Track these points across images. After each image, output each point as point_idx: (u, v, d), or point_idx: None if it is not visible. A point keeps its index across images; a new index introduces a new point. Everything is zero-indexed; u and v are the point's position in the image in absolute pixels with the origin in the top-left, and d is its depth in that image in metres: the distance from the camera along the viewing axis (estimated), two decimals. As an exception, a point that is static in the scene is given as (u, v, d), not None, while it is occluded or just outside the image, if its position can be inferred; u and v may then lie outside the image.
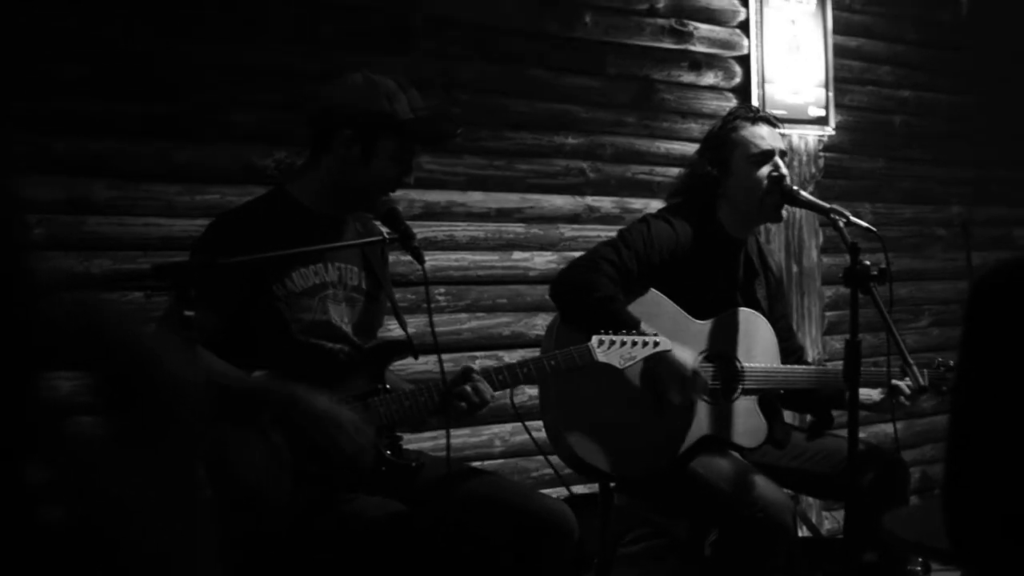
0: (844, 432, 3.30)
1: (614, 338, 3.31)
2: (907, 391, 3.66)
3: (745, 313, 3.76)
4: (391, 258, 3.52)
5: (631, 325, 3.42)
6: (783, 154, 3.76)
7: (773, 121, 3.84)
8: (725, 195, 3.75)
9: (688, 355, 3.51)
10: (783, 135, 3.88)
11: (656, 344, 3.37)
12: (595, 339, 3.30)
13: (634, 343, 3.33)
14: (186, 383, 0.97)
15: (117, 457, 0.93)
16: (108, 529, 0.89)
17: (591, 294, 3.47)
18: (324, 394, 2.93)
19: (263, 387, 2.91)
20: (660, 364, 3.46)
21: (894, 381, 3.64)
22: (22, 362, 0.91)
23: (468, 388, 3.06)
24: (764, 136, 3.75)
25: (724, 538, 3.61)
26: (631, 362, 3.34)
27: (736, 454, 3.65)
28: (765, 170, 3.71)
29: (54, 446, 0.92)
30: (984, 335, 1.81)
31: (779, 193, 3.71)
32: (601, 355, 3.29)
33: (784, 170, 3.73)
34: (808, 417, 4.18)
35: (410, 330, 3.32)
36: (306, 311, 3.07)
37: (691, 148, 5.15)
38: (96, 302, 0.97)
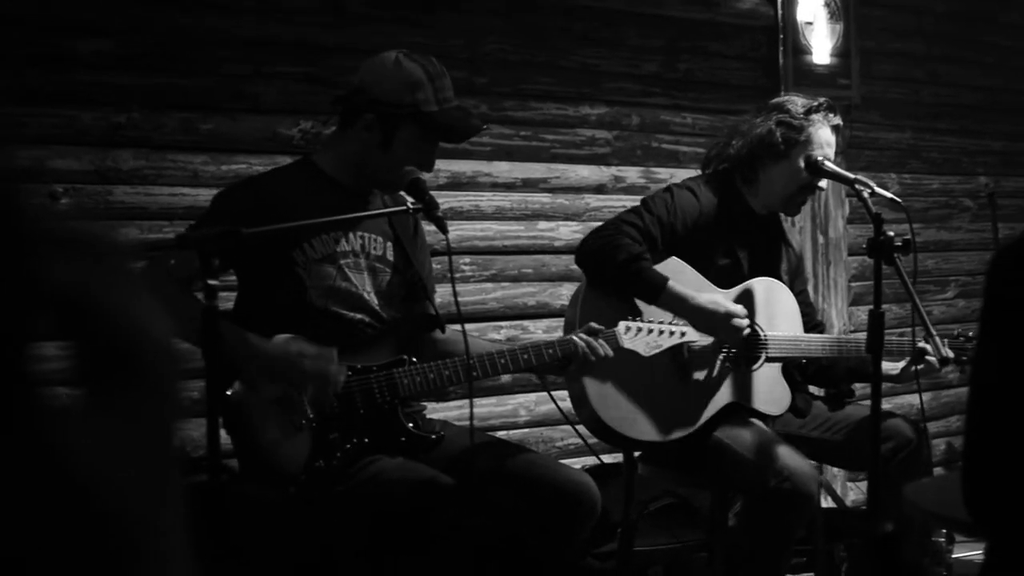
0: (866, 402, 3.29)
1: (641, 325, 3.33)
2: (935, 359, 3.61)
3: (767, 282, 3.76)
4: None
5: (658, 284, 3.46)
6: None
7: (839, 133, 3.82)
8: (765, 171, 3.74)
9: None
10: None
11: (683, 334, 3.41)
12: (622, 325, 3.31)
13: (660, 332, 3.36)
14: (168, 349, 0.97)
15: (94, 427, 0.93)
16: (86, 500, 0.90)
17: (616, 256, 3.48)
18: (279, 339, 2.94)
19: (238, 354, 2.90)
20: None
21: (920, 344, 3.62)
22: (8, 328, 0.91)
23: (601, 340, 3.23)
24: (831, 144, 3.73)
25: (749, 507, 3.62)
26: (657, 350, 3.37)
27: (760, 423, 3.65)
28: (807, 176, 3.70)
29: (30, 416, 0.91)
30: (1004, 306, 1.80)
31: (807, 198, 3.79)
32: (627, 341, 3.31)
33: (823, 185, 3.78)
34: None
35: (435, 299, 3.33)
36: (325, 278, 3.08)
37: (717, 119, 5.15)
38: (94, 261, 0.96)
